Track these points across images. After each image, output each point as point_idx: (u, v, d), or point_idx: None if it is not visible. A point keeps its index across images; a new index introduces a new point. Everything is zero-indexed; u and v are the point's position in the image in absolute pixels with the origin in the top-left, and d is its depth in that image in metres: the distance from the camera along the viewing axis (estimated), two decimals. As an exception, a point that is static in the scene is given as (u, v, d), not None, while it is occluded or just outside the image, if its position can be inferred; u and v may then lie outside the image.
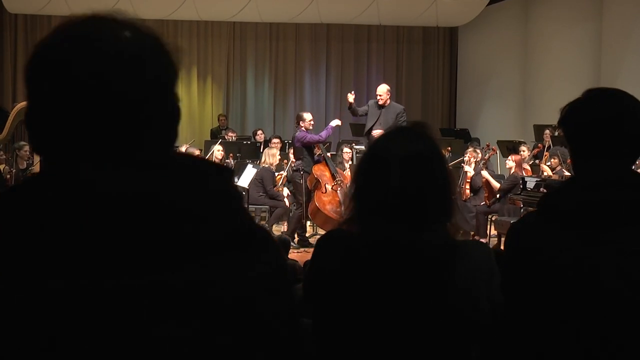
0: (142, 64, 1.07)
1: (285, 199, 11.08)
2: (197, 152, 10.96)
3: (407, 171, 1.88)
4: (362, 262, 1.87)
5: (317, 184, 10.18)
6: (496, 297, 1.91)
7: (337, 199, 9.94)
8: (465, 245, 1.96)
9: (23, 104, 10.12)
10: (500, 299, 1.91)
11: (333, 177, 10.13)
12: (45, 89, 1.05)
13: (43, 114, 1.07)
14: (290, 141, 12.83)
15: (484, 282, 1.89)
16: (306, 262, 6.38)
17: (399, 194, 1.86)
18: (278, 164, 11.31)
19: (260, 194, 10.63)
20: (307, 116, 10.45)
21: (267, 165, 10.89)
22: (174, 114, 1.12)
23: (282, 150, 12.90)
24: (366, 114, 10.35)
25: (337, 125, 10.42)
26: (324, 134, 10.27)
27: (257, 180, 10.56)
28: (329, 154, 10.86)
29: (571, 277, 1.85)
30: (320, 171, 10.21)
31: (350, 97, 10.40)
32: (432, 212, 1.88)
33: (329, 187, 10.08)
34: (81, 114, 1.04)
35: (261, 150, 11.98)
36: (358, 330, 1.89)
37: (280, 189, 11.21)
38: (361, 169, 1.99)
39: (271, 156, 11.05)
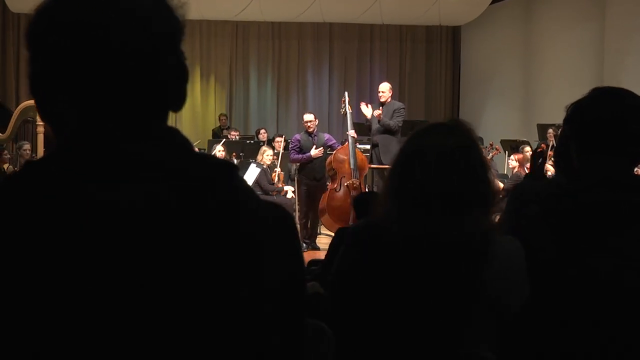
0: (145, 17, 1.05)
1: (290, 192, 11.11)
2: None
3: (443, 163, 1.91)
4: (399, 252, 1.90)
5: (334, 175, 9.60)
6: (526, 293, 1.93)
7: (348, 202, 8.99)
8: (502, 240, 1.97)
9: (27, 102, 10.16)
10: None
11: (352, 172, 9.45)
12: (48, 48, 1.03)
13: (48, 76, 1.04)
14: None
15: (518, 277, 1.91)
16: (311, 261, 6.39)
17: (436, 186, 1.90)
18: (270, 164, 11.24)
19: (258, 192, 10.57)
20: (306, 117, 10.23)
21: (261, 164, 10.97)
22: (181, 71, 1.10)
23: (285, 149, 12.93)
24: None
25: (316, 155, 9.80)
26: (305, 156, 9.92)
27: (254, 180, 10.57)
28: (353, 134, 9.81)
29: (573, 279, 1.86)
30: (341, 158, 9.56)
31: (367, 112, 9.92)
32: (470, 204, 1.91)
33: (344, 184, 9.43)
34: (86, 72, 1.02)
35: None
36: (391, 316, 1.92)
37: (282, 184, 11.24)
38: (398, 165, 2.01)
39: (261, 154, 11.17)
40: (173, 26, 1.09)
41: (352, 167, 9.41)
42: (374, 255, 1.93)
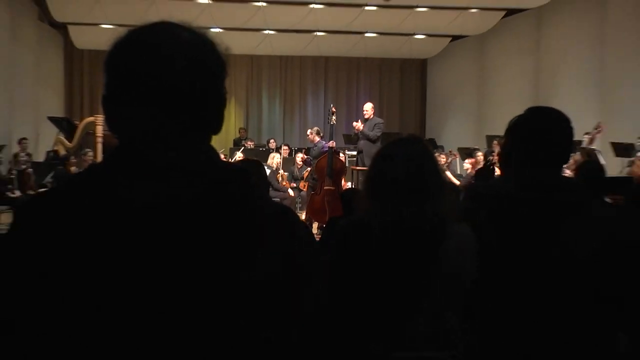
0: (201, 59, 1.03)
1: (290, 190, 11.13)
2: (222, 157, 11.06)
3: (406, 165, 1.93)
4: (379, 239, 1.90)
5: (319, 179, 9.25)
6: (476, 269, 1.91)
7: (324, 204, 8.76)
8: (458, 225, 1.95)
9: (89, 119, 10.14)
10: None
11: (326, 179, 9.04)
12: (119, 75, 1.02)
13: (114, 100, 1.03)
14: (296, 148, 12.87)
15: (469, 255, 1.89)
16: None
17: (403, 180, 1.91)
18: (276, 167, 11.34)
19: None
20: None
21: (271, 166, 11.07)
22: (222, 102, 1.07)
23: (290, 155, 12.94)
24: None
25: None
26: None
27: None
28: (331, 144, 9.30)
29: (517, 265, 1.84)
30: (321, 167, 9.19)
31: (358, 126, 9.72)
32: (429, 195, 1.92)
33: (323, 187, 9.05)
34: (146, 96, 1.00)
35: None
36: (373, 289, 1.91)
37: (286, 184, 11.31)
38: (372, 168, 2.03)
39: (271, 159, 11.32)
40: (220, 67, 1.07)
41: (327, 174, 9.07)
42: (359, 246, 1.93)
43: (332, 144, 9.40)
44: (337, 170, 9.25)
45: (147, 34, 1.03)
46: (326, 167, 9.14)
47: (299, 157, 10.02)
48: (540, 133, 1.90)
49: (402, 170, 1.92)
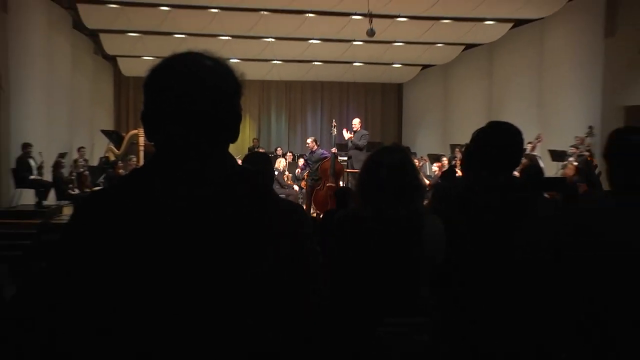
0: (219, 84, 1.00)
1: (295, 187, 11.12)
2: (239, 162, 11.05)
3: (391, 170, 1.89)
4: (369, 228, 1.87)
5: (321, 179, 9.19)
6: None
7: (327, 198, 8.61)
8: (431, 217, 1.92)
9: (133, 131, 10.12)
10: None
11: (330, 177, 8.97)
12: (154, 96, 0.99)
13: (153, 112, 1.00)
14: (299, 154, 12.82)
15: (440, 241, 1.86)
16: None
17: (387, 184, 1.88)
18: (283, 169, 11.40)
19: (276, 187, 10.64)
20: (307, 140, 10.30)
21: (279, 169, 11.11)
22: (238, 117, 1.04)
23: (293, 160, 12.90)
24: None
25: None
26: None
27: (274, 179, 10.56)
28: (334, 150, 9.32)
29: (478, 251, 1.81)
30: (325, 168, 9.14)
31: (346, 135, 9.71)
32: (409, 194, 1.89)
33: (326, 185, 8.93)
34: (178, 112, 0.97)
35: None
36: (369, 271, 1.86)
37: (291, 183, 11.32)
38: (364, 171, 1.98)
39: (277, 163, 11.39)
40: (236, 89, 1.03)
41: (330, 174, 9.08)
42: (353, 233, 1.90)
43: (334, 150, 9.46)
44: (337, 171, 9.36)
45: (177, 63, 1.00)
46: (329, 168, 9.22)
47: (301, 161, 10.02)
48: (498, 145, 1.87)
49: (387, 177, 1.88)
